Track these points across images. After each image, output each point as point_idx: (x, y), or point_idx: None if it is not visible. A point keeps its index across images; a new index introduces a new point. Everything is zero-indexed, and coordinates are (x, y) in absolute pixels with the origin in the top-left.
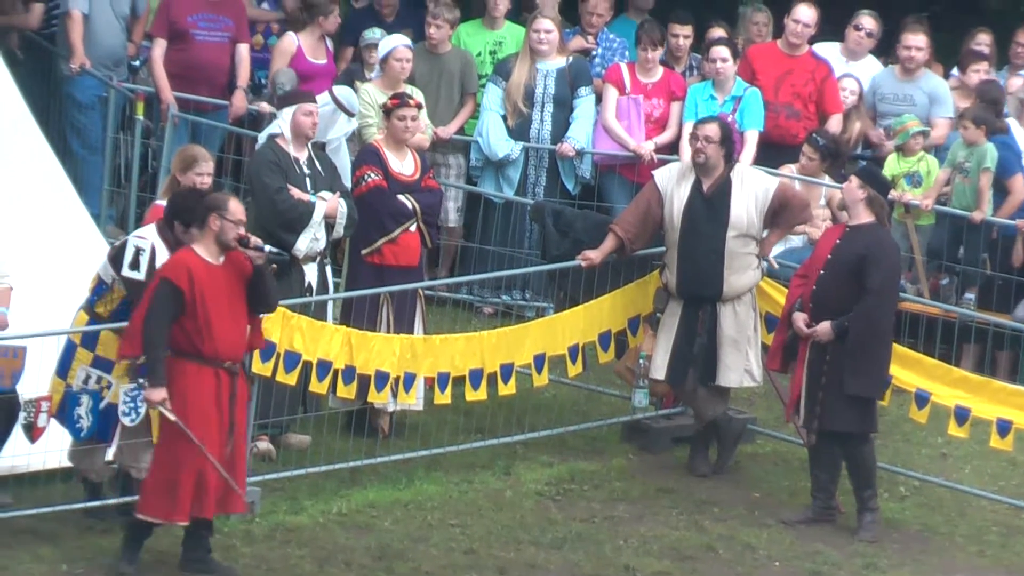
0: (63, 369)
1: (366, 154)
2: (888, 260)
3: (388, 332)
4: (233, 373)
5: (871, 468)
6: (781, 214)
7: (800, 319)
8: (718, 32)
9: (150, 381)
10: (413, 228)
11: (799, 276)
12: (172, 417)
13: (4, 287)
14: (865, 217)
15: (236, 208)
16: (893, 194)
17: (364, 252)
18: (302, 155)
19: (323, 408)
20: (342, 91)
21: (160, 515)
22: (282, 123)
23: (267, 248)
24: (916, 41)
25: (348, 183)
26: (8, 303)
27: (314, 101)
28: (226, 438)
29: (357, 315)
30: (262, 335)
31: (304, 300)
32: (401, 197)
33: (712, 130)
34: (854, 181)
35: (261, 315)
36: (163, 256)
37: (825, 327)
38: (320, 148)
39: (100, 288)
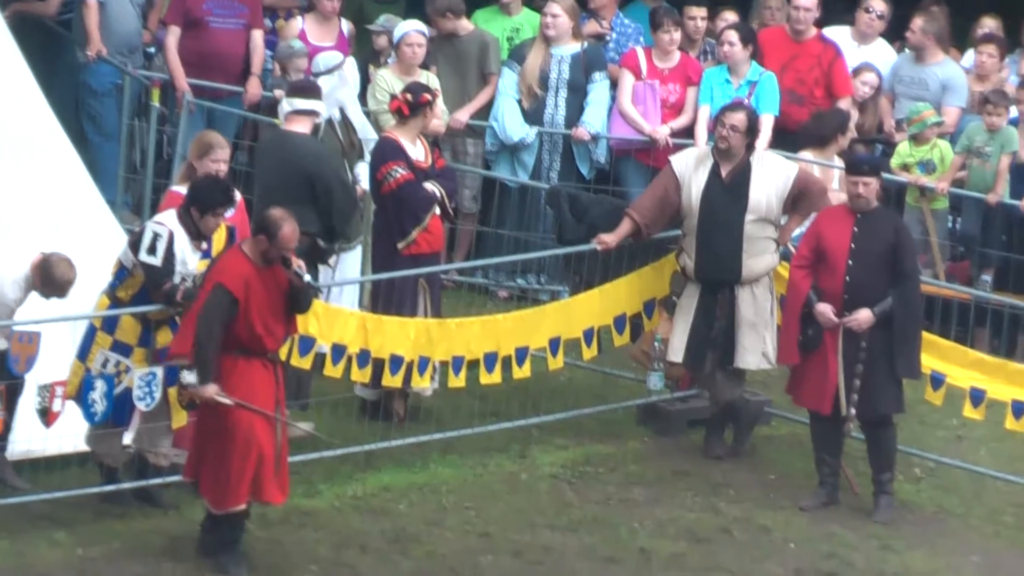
0: (83, 352)
1: (388, 149)
2: (913, 242)
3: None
4: (275, 362)
5: (894, 450)
6: (800, 200)
7: (828, 311)
8: (728, 15)
9: (200, 379)
10: (437, 212)
11: (800, 267)
12: (230, 402)
13: None
14: (875, 202)
15: (287, 236)
16: (909, 178)
17: (401, 246)
18: None
19: (337, 393)
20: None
21: (232, 502)
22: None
23: (307, 279)
24: (912, 25)
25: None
26: None
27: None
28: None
29: (396, 305)
30: (296, 324)
31: (334, 284)
32: (427, 185)
33: (739, 119)
34: (872, 182)
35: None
36: (181, 242)
37: (866, 315)
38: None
39: (121, 273)
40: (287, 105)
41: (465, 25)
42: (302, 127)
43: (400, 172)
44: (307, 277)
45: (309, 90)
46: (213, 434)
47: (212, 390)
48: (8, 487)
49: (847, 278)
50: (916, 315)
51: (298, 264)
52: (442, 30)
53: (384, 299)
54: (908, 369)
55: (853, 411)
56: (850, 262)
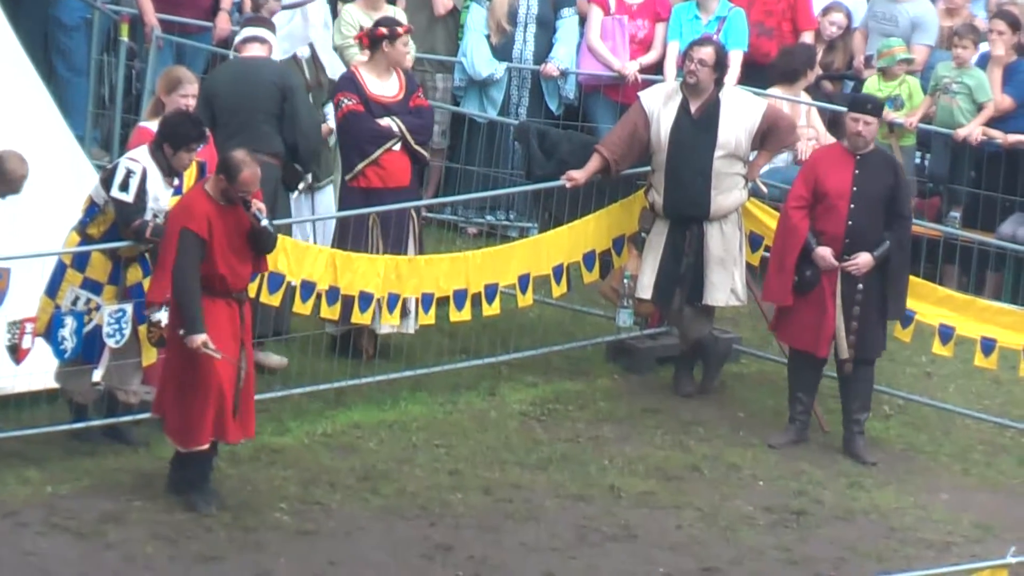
0: (52, 289)
1: (342, 80)
2: (909, 184)
3: (379, 254)
4: (241, 301)
5: (871, 390)
6: (769, 136)
7: (828, 254)
8: None
9: (189, 329)
10: (397, 148)
11: (798, 208)
12: (219, 356)
13: None
14: (872, 144)
15: (247, 179)
16: None
17: (347, 177)
18: None
19: (306, 330)
20: None
21: (194, 441)
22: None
23: (264, 222)
24: None
25: None
26: None
27: None
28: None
29: (342, 238)
30: (266, 262)
31: (290, 221)
32: (384, 119)
33: (707, 53)
34: (874, 122)
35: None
36: (154, 178)
37: (866, 259)
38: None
39: (92, 210)
40: (241, 35)
41: None
42: (259, 53)
43: (346, 103)
44: (265, 221)
45: (261, 21)
46: (178, 372)
47: (200, 340)
48: None
49: (849, 221)
50: (908, 255)
51: (258, 207)
52: None
53: (338, 234)
54: (898, 311)
55: (851, 352)
56: (852, 205)
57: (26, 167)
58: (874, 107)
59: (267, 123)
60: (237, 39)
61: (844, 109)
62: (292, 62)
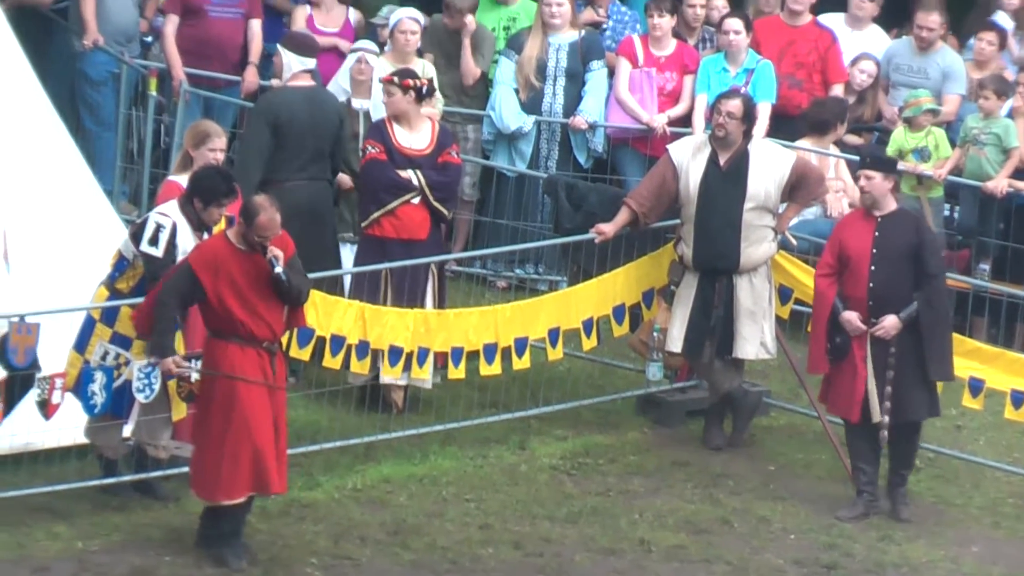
0: (81, 344)
1: (371, 128)
2: (937, 241)
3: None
4: (272, 352)
5: (916, 450)
6: (798, 188)
7: (854, 318)
8: (717, 2)
9: (157, 353)
10: (416, 201)
11: (825, 276)
12: (195, 376)
13: None
14: (893, 203)
15: (263, 223)
16: (906, 166)
17: (363, 225)
18: None
19: (337, 382)
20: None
21: (224, 495)
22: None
23: (277, 270)
24: (929, 21)
25: None
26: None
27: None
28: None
29: (356, 288)
30: (302, 316)
31: (316, 276)
32: (405, 171)
33: (735, 106)
34: (876, 176)
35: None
36: (184, 233)
37: (893, 321)
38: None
39: (121, 264)
40: (297, 64)
41: (472, 22)
42: (310, 84)
43: (370, 150)
44: (278, 268)
45: (311, 48)
46: (210, 426)
47: (169, 363)
48: None
49: (870, 283)
50: (944, 315)
51: (274, 253)
52: (454, 25)
53: (352, 283)
54: (941, 371)
55: (887, 419)
56: (872, 267)
57: None
58: (876, 162)
59: (332, 150)
60: (290, 70)
61: None
62: (345, 107)
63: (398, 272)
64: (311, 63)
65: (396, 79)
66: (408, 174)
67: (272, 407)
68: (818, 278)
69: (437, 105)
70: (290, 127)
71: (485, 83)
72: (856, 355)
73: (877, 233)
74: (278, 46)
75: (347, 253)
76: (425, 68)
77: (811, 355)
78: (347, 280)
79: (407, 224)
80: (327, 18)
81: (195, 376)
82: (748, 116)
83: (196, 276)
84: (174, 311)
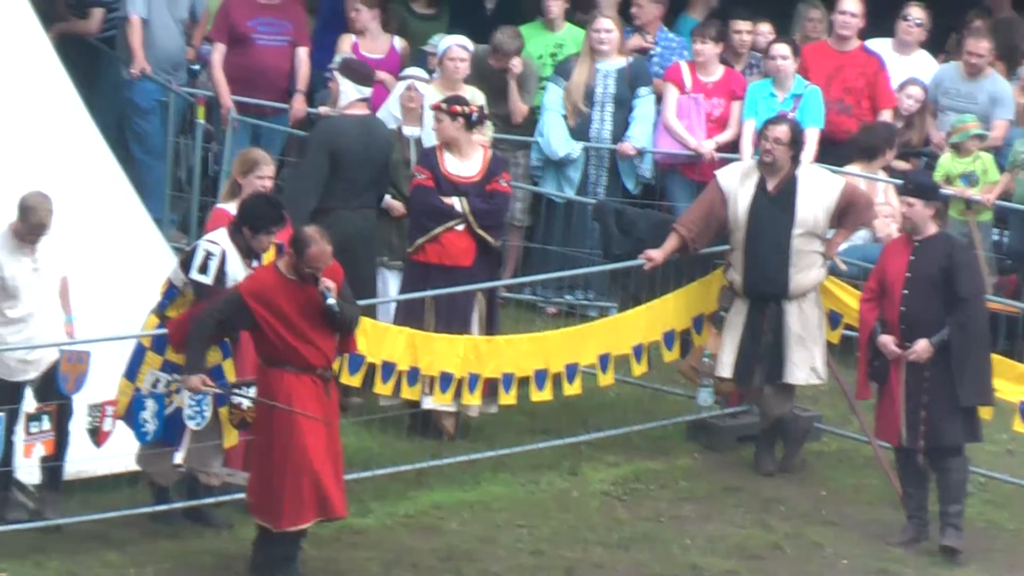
0: (132, 372)
1: (421, 155)
2: (973, 264)
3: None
4: (326, 379)
5: (962, 482)
6: (847, 214)
7: (889, 342)
8: (764, 27)
9: (187, 368)
10: (460, 228)
11: (866, 300)
12: (218, 390)
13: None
14: (933, 228)
15: (313, 255)
16: (954, 190)
17: (408, 251)
18: None
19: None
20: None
21: (288, 522)
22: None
23: (330, 301)
24: (979, 48)
25: None
26: (69, 302)
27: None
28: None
29: (399, 315)
30: (353, 342)
31: (366, 303)
32: (450, 198)
33: (783, 132)
34: (917, 203)
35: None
36: (233, 261)
37: (924, 345)
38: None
39: (171, 292)
40: (354, 92)
41: (519, 64)
42: (362, 111)
43: (418, 176)
44: (330, 300)
45: (368, 76)
46: (269, 453)
47: (195, 381)
48: (18, 507)
49: (902, 307)
50: (977, 340)
51: (326, 286)
52: (500, 66)
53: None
54: (974, 395)
55: (922, 443)
56: (905, 291)
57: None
58: (917, 189)
59: (386, 178)
60: (347, 98)
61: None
62: (396, 134)
63: (441, 299)
64: (367, 92)
65: (445, 106)
66: (452, 201)
67: (328, 432)
68: (861, 302)
69: (487, 132)
70: (346, 156)
71: (531, 110)
72: (893, 379)
73: (913, 257)
74: (335, 73)
75: (394, 280)
76: (475, 95)
77: (857, 380)
78: (391, 306)
79: (450, 251)
80: (372, 45)
81: (245, 404)
82: (795, 142)
83: (247, 304)
84: (210, 331)
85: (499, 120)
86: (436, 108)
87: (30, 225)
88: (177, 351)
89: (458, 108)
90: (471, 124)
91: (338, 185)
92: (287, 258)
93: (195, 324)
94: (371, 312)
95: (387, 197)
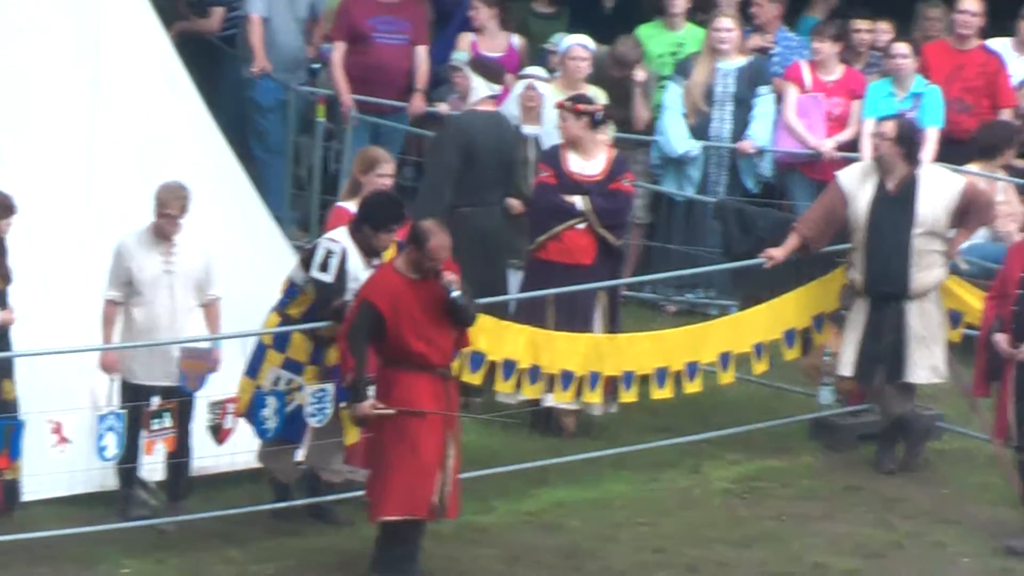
0: (253, 370)
1: (545, 152)
2: None
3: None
4: (446, 378)
5: None
6: (968, 213)
7: (1003, 340)
8: (883, 26)
9: (354, 398)
10: (582, 227)
11: (991, 298)
12: (391, 411)
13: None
14: None
15: (435, 247)
16: None
17: (530, 247)
18: None
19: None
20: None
21: (402, 510)
22: None
23: (454, 294)
24: None
25: None
26: (217, 326)
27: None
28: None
29: (520, 312)
30: (467, 337)
31: (486, 301)
32: (572, 196)
33: (888, 127)
34: None
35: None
36: (354, 259)
37: None
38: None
39: (292, 290)
40: (485, 89)
41: (642, 74)
42: (490, 108)
43: (540, 174)
44: (455, 293)
45: (499, 74)
46: (388, 448)
47: (367, 406)
48: (141, 505)
49: (1014, 307)
50: None
51: (449, 278)
52: (622, 75)
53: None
54: None
55: (1015, 442)
56: (1020, 291)
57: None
58: None
59: (511, 176)
60: (477, 95)
61: None
62: (517, 131)
63: (562, 297)
64: (498, 89)
65: (570, 104)
66: (575, 199)
67: (447, 432)
68: (986, 300)
69: (609, 131)
70: (479, 152)
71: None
72: (1005, 377)
73: None
74: (465, 68)
75: (513, 278)
76: (598, 94)
77: (975, 377)
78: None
79: (571, 249)
80: (491, 44)
81: (391, 411)
82: (903, 139)
83: (378, 311)
84: (365, 348)
85: (617, 122)
86: (561, 107)
87: (162, 211)
88: (343, 375)
89: (583, 107)
90: (595, 123)
91: (469, 182)
92: (406, 255)
93: (351, 350)
94: (502, 309)
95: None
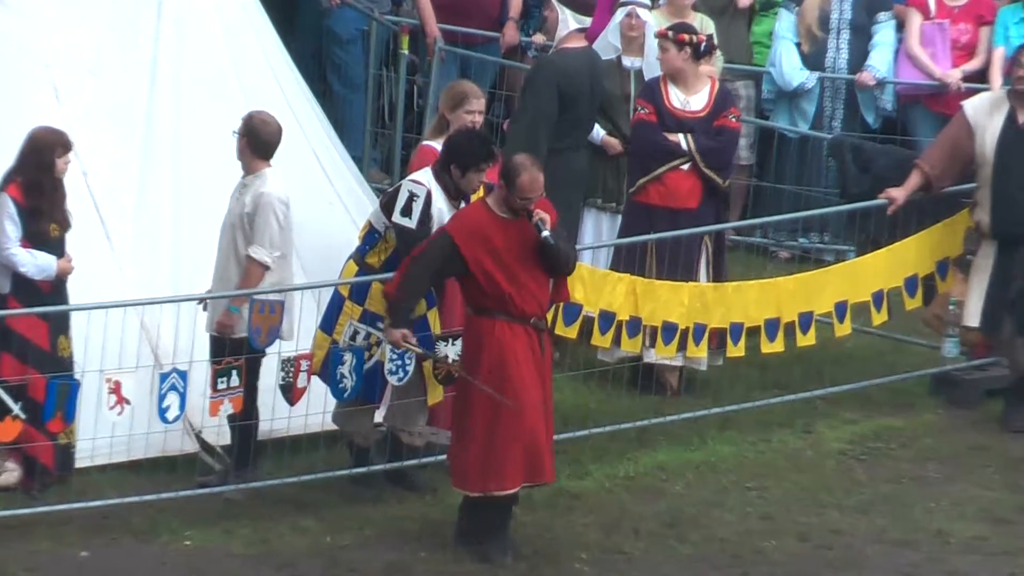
0: (328, 324)
1: (644, 87)
2: None
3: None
4: (539, 329)
5: None
6: None
7: None
8: None
9: (391, 321)
10: (686, 167)
11: None
12: (419, 350)
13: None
14: None
15: (524, 184)
16: None
17: (630, 191)
18: None
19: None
20: None
21: (497, 484)
22: None
23: (544, 233)
24: None
25: None
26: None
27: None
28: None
29: (619, 260)
30: (566, 290)
31: (585, 247)
32: (675, 135)
33: None
34: None
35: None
36: (439, 202)
37: None
38: None
39: (371, 237)
40: (574, 22)
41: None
42: (580, 44)
43: (640, 111)
44: (545, 232)
45: (588, 5)
46: (476, 412)
47: (397, 335)
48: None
49: None
50: None
51: (540, 217)
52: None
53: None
54: None
55: None
56: None
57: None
58: None
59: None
60: (566, 27)
61: None
62: (615, 65)
63: (664, 243)
64: (587, 21)
65: (671, 34)
66: (678, 138)
67: (542, 389)
68: None
69: (717, 63)
70: (573, 92)
71: (748, 25)
72: None
73: None
74: (554, 1)
75: (609, 223)
76: (704, 23)
77: None
78: (607, 252)
79: (675, 191)
80: None
81: (452, 356)
82: None
83: (457, 248)
84: (426, 285)
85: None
86: (662, 36)
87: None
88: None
89: (685, 36)
90: (699, 54)
91: (563, 123)
92: (497, 192)
93: (408, 280)
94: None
95: (603, 133)
